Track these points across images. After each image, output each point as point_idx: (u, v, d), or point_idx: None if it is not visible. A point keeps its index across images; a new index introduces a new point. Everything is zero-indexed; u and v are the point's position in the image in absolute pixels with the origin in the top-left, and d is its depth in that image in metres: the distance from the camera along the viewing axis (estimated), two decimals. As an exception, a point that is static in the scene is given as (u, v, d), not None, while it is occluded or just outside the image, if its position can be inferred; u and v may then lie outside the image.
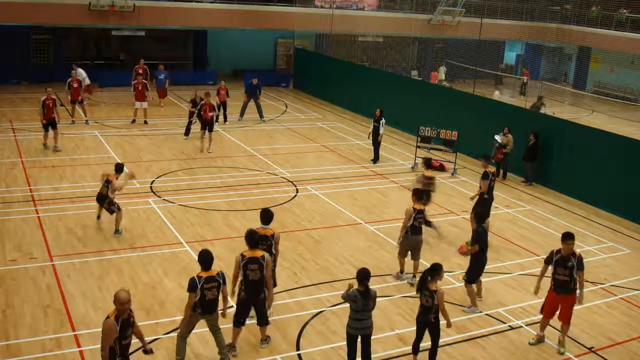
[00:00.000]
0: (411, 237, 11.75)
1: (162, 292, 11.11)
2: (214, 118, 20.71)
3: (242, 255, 9.10)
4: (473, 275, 11.01)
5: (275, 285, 10.45)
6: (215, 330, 9.04)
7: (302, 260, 12.77)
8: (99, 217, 13.88)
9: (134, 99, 22.84)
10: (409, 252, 11.95)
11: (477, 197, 13.95)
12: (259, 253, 9.13)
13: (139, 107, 22.89)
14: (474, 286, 11.16)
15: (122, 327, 7.38)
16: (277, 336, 9.97)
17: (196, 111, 20.56)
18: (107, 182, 13.12)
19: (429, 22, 35.16)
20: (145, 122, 23.00)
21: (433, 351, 9.18)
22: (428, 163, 14.97)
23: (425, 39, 37.69)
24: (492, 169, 13.89)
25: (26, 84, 29.04)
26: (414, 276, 11.85)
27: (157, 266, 12.10)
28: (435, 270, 9.01)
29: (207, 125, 20.05)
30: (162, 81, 25.45)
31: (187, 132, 21.48)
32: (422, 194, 12.15)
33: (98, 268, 11.90)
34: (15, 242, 12.74)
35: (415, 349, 9.31)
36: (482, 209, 13.23)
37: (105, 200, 13.23)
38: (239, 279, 9.25)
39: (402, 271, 12.18)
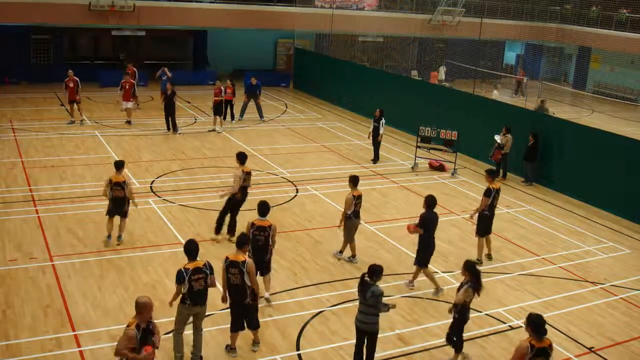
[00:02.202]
0: (355, 221, 12.47)
1: (162, 292, 11.09)
2: (222, 102, 22.94)
3: (226, 258, 9.10)
4: (422, 258, 11.57)
5: (269, 270, 10.72)
6: (197, 328, 9.01)
7: (302, 260, 12.77)
8: (110, 236, 12.89)
9: (121, 98, 22.62)
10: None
11: (478, 214, 13.20)
12: (241, 258, 9.04)
13: (126, 107, 22.66)
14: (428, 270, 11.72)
15: (142, 336, 7.28)
16: (277, 336, 9.97)
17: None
18: (118, 185, 12.55)
19: (429, 22, 35.16)
20: (129, 122, 22.77)
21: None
22: (241, 157, 13.07)
23: (425, 39, 37.69)
24: (496, 185, 13.06)
25: (26, 84, 29.03)
26: (342, 252, 12.91)
27: (157, 266, 12.09)
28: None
29: (217, 109, 22.53)
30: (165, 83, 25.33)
31: (169, 127, 21.99)
32: (358, 179, 12.56)
33: (98, 268, 11.90)
34: (15, 242, 12.73)
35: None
36: (483, 225, 13.05)
37: (124, 204, 12.71)
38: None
39: (354, 255, 12.81)
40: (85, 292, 10.99)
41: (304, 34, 33.68)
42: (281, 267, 12.25)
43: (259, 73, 26.47)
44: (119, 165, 12.75)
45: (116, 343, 7.42)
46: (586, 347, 10.27)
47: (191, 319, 9.00)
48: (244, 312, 9.24)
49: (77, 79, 21.91)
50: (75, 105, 22.22)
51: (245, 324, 9.36)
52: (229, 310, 10.49)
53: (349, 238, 12.69)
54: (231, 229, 13.28)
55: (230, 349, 9.44)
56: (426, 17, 35.21)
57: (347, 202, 12.30)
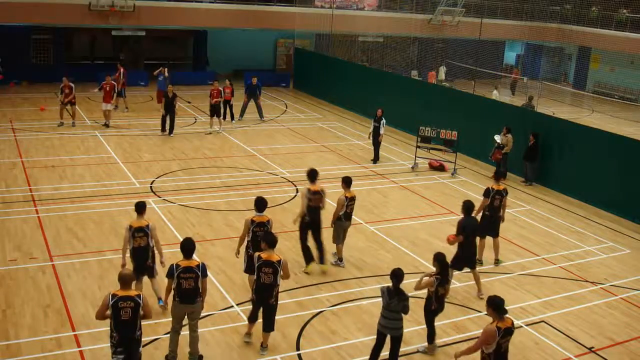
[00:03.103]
0: (345, 223, 12.27)
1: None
2: (220, 103, 22.57)
3: (259, 257, 9.16)
4: (457, 262, 11.47)
5: None
6: (192, 329, 8.99)
7: (302, 260, 12.73)
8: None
9: (102, 100, 22.15)
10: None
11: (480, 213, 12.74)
12: (275, 257, 9.13)
13: (104, 109, 22.19)
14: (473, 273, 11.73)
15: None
16: (277, 336, 9.95)
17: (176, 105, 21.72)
18: (140, 231, 9.95)
19: (429, 22, 35.17)
20: (106, 125, 22.22)
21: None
22: (311, 175, 12.30)
23: (425, 39, 37.70)
24: (499, 186, 12.86)
25: (26, 84, 29.03)
26: (341, 259, 12.63)
27: (157, 266, 12.05)
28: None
29: (216, 110, 22.22)
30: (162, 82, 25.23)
31: (163, 128, 21.71)
32: (351, 181, 12.32)
33: (98, 268, 11.90)
34: (15, 242, 12.73)
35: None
36: (483, 222, 12.78)
37: (148, 256, 10.14)
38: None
39: (341, 259, 12.62)
40: (85, 292, 10.98)
41: (304, 34, 33.68)
42: (281, 267, 12.24)
43: (259, 73, 26.47)
44: (141, 208, 10.11)
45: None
46: (586, 347, 10.27)
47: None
48: (265, 312, 9.35)
49: (72, 85, 21.56)
50: (69, 106, 21.74)
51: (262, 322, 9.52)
52: (229, 310, 10.51)
53: (337, 240, 12.46)
54: (321, 256, 12.23)
55: (246, 334, 9.66)
56: (426, 17, 35.22)
57: (338, 203, 12.12)
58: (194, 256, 9.04)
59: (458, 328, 10.51)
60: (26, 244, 12.71)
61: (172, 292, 8.79)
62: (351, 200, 12.20)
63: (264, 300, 9.20)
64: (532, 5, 37.99)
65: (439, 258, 9.40)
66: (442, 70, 36.22)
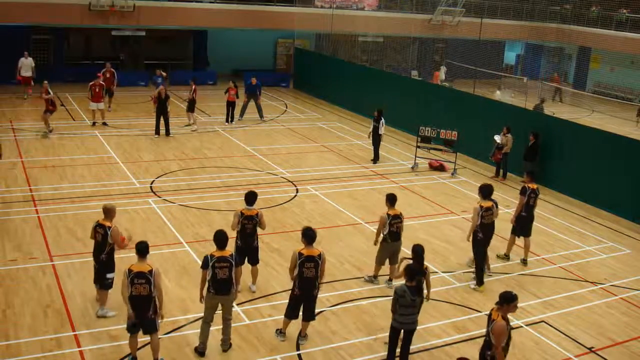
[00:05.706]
0: (392, 244, 11.50)
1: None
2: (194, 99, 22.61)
3: (300, 254, 9.33)
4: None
5: (257, 262, 11.16)
6: (226, 319, 9.28)
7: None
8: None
9: (90, 99, 22.04)
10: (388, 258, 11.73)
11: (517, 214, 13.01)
12: (316, 252, 9.39)
13: (95, 109, 22.12)
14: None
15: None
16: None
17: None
18: (141, 277, 8.43)
19: (429, 22, 35.17)
20: (105, 124, 22.28)
21: None
22: (487, 191, 11.98)
23: (425, 39, 37.69)
24: (533, 185, 12.93)
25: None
26: (391, 280, 11.78)
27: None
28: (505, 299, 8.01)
29: (190, 105, 22.54)
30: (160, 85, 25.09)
31: (157, 131, 21.54)
32: (395, 198, 11.54)
33: (98, 268, 11.88)
34: (15, 242, 12.73)
35: None
36: (517, 224, 13.07)
37: (149, 307, 8.61)
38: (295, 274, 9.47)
39: (375, 276, 11.90)
40: (85, 292, 10.97)
41: (304, 34, 33.69)
42: (282, 267, 12.23)
43: (259, 73, 26.47)
44: (144, 250, 8.59)
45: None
46: (586, 347, 10.27)
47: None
48: (308, 303, 9.58)
49: (51, 94, 20.84)
50: (47, 114, 20.94)
51: (298, 315, 9.72)
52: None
53: (379, 261, 11.73)
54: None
55: (280, 332, 9.81)
56: (426, 17, 35.22)
57: (380, 221, 11.45)
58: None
59: (458, 328, 10.51)
60: (26, 244, 12.71)
61: (207, 284, 9.02)
62: (395, 218, 11.33)
63: (309, 292, 9.46)
64: (532, 5, 37.97)
65: (414, 249, 9.58)
66: (442, 70, 36.22)
